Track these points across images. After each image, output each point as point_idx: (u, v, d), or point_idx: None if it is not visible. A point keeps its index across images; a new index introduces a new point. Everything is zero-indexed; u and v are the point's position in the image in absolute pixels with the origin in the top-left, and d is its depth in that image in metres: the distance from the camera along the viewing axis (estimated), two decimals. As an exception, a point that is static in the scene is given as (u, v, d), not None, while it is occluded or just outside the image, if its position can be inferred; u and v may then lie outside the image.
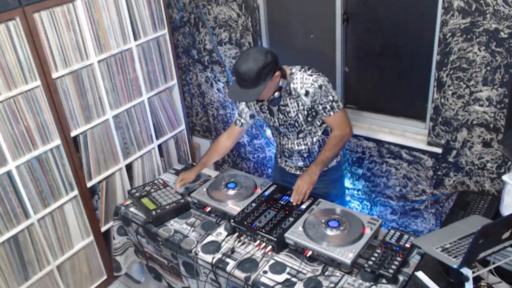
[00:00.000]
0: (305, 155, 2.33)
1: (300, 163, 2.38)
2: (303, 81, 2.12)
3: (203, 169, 2.54)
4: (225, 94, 3.28)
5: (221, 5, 2.94)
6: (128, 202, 2.52)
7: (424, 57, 2.41)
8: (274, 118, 2.28)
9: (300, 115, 2.19)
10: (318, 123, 2.25)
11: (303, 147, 2.31)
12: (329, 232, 1.98)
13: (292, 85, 2.14)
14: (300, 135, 2.28)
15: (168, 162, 3.31)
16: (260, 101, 2.23)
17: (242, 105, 2.38)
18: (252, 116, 2.41)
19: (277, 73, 2.05)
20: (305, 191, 2.16)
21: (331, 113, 2.16)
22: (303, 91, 2.12)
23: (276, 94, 2.12)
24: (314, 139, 2.28)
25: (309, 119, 2.21)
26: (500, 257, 1.70)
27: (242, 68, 1.99)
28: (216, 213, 2.32)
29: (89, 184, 2.72)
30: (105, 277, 2.98)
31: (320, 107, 2.15)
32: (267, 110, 2.29)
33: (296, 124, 2.23)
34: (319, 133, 2.28)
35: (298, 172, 2.40)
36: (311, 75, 2.11)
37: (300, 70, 2.15)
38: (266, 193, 2.30)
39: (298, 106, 2.17)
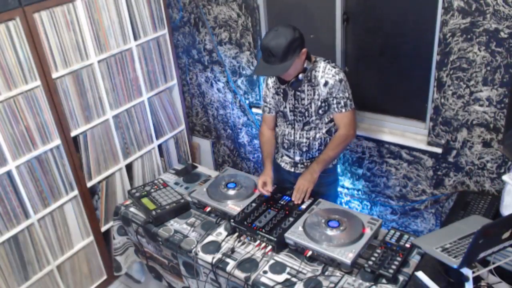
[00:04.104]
0: (304, 149, 2.32)
1: (297, 158, 2.37)
2: (325, 70, 2.15)
3: (272, 163, 2.41)
4: (224, 94, 3.28)
5: (221, 5, 2.94)
6: (128, 202, 2.52)
7: (424, 57, 2.41)
8: (286, 103, 2.28)
9: (312, 105, 2.20)
10: (326, 120, 2.26)
11: (304, 140, 2.30)
12: (329, 232, 1.98)
13: (313, 72, 2.16)
14: (306, 127, 2.28)
15: (168, 162, 3.31)
16: (282, 82, 2.21)
17: (264, 90, 2.37)
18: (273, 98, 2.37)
19: (304, 50, 2.07)
20: (306, 190, 2.17)
21: (343, 110, 2.18)
22: (323, 81, 2.14)
23: (300, 76, 2.12)
24: (317, 135, 2.28)
25: (320, 111, 2.22)
26: (500, 257, 1.70)
27: (271, 42, 2.01)
28: (216, 213, 2.32)
29: (89, 184, 2.72)
30: (105, 277, 2.98)
31: (334, 101, 2.17)
32: (282, 93, 2.28)
33: (306, 113, 2.23)
34: (324, 130, 2.28)
35: (293, 170, 2.40)
36: (334, 67, 2.16)
37: (324, 61, 2.19)
38: (266, 193, 2.31)
39: (314, 94, 2.18)
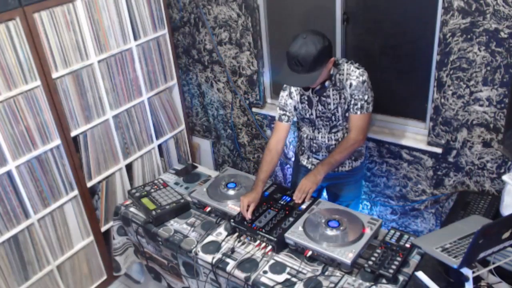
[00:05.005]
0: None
1: None
2: (349, 72, 2.10)
3: (264, 187, 2.25)
4: (225, 93, 3.28)
5: (221, 5, 2.94)
6: (128, 202, 2.52)
7: (424, 57, 2.41)
8: (312, 110, 2.23)
9: (339, 109, 2.17)
10: None
11: (333, 142, 2.28)
12: (329, 232, 1.98)
13: (338, 76, 2.11)
14: (333, 130, 2.26)
15: (168, 162, 3.31)
16: (306, 88, 2.15)
17: (284, 98, 2.28)
18: (295, 108, 2.29)
19: (332, 59, 2.02)
20: (308, 190, 2.15)
21: (358, 112, 2.14)
22: (348, 83, 2.10)
23: (327, 83, 2.08)
24: (345, 135, 2.26)
25: (346, 114, 2.19)
26: (500, 257, 1.70)
27: (300, 52, 1.91)
28: (216, 213, 2.32)
29: (89, 184, 2.72)
30: (105, 277, 2.98)
31: (352, 102, 2.13)
32: (306, 100, 2.23)
33: (333, 117, 2.20)
34: None
35: None
36: (358, 68, 2.10)
37: (347, 62, 2.13)
38: (266, 193, 2.31)
39: (340, 98, 2.14)
